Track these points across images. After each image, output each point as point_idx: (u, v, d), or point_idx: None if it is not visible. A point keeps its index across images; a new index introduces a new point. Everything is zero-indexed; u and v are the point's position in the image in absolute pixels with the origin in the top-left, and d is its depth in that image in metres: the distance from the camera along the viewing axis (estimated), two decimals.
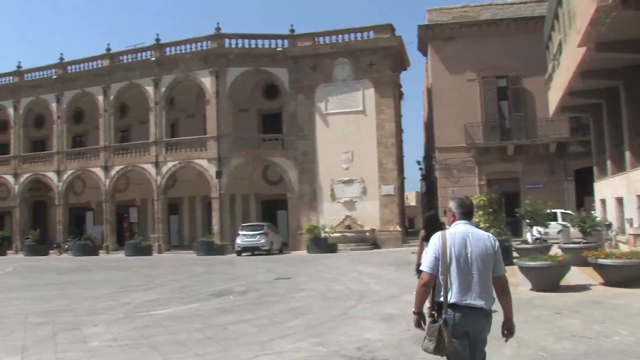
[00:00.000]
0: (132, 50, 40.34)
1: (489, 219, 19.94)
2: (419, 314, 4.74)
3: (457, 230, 4.69)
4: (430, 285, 4.65)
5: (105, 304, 13.87)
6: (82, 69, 41.88)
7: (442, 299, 4.57)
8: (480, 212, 20.40)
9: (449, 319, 4.50)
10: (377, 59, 35.07)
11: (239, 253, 31.57)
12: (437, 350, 4.48)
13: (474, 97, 32.14)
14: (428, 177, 45.01)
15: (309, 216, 34.80)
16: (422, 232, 9.48)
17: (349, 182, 34.68)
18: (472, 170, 32.10)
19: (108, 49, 40.57)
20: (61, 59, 42.62)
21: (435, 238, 4.72)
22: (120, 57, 40.49)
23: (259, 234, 31.51)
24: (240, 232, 32.13)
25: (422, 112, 52.82)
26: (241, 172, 37.31)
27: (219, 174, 35.74)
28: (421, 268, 4.76)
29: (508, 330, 4.68)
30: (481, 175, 32.00)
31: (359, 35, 35.88)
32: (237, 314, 11.72)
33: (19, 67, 44.65)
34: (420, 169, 50.76)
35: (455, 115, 31.88)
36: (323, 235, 32.42)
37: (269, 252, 31.33)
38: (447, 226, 5.01)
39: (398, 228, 34.05)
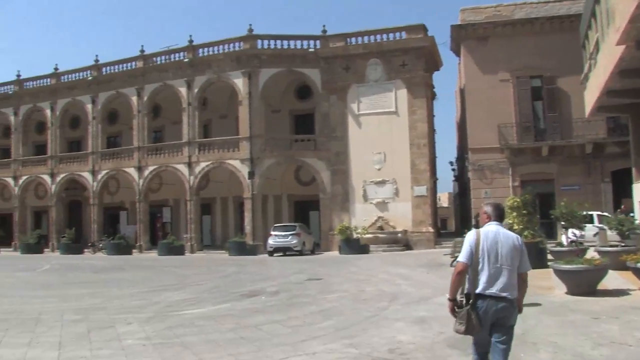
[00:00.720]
0: (166, 52, 40.70)
1: (522, 221, 19.67)
2: (453, 300, 5.40)
3: (490, 230, 5.45)
4: (465, 274, 5.35)
5: (138, 303, 13.96)
6: (116, 71, 42.46)
7: (471, 287, 5.33)
8: (514, 214, 20.12)
9: (479, 306, 5.24)
10: (409, 60, 34.87)
11: (271, 253, 31.64)
12: (467, 331, 5.26)
13: (508, 98, 31.74)
14: (461, 178, 44.65)
15: (341, 217, 34.71)
16: None
17: (382, 183, 34.52)
18: (506, 172, 31.69)
19: (142, 51, 41.03)
20: (96, 60, 43.22)
21: (471, 234, 5.47)
22: (154, 59, 40.90)
23: (291, 234, 31.54)
24: (273, 233, 32.22)
25: (454, 113, 52.44)
26: (273, 172, 37.38)
27: (251, 175, 35.86)
28: (458, 259, 5.43)
29: (518, 310, 5.42)
30: (515, 176, 31.57)
31: (391, 35, 35.71)
32: (269, 315, 11.72)
33: (56, 69, 45.41)
34: (453, 170, 50.38)
35: (489, 116, 31.53)
36: (355, 236, 32.32)
37: (300, 253, 31.34)
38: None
39: (430, 229, 33.80)
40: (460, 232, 32.99)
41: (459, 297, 5.39)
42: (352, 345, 8.70)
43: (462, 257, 5.36)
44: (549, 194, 29.58)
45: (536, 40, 31.39)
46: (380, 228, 33.92)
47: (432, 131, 38.40)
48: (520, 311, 5.46)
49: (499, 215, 5.59)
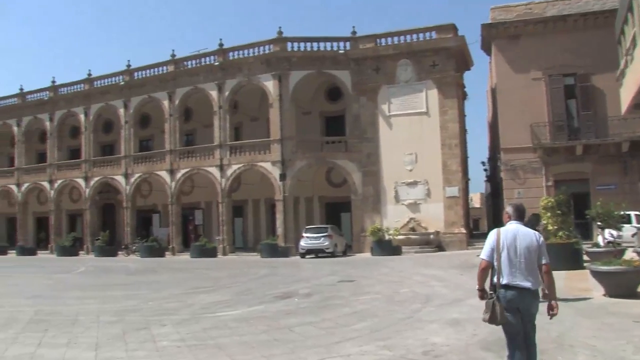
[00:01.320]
0: (196, 56, 40.98)
1: (557, 221, 19.42)
2: (481, 290, 6.13)
3: (510, 228, 6.09)
4: (488, 270, 6.02)
5: (172, 305, 14.06)
6: (148, 75, 42.87)
7: (495, 280, 5.94)
8: (548, 214, 19.86)
9: (501, 296, 5.85)
10: (440, 60, 34.64)
11: (302, 255, 31.72)
12: (491, 320, 5.85)
13: (540, 97, 31.31)
14: (493, 179, 44.23)
15: (372, 218, 34.61)
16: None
17: (413, 184, 34.34)
18: (539, 171, 31.27)
19: (173, 55, 41.37)
20: (128, 65, 43.72)
21: (492, 234, 6.12)
22: (185, 63, 41.20)
23: (322, 236, 31.56)
24: (304, 235, 32.30)
25: (486, 113, 51.97)
26: (305, 174, 37.41)
27: (282, 177, 35.94)
28: (480, 256, 6.13)
29: (550, 308, 5.95)
30: (548, 176, 31.13)
31: (421, 35, 35.47)
32: (302, 317, 11.73)
33: (89, 75, 46.04)
34: (485, 170, 49.93)
35: (521, 115, 31.14)
36: (387, 237, 32.19)
37: (332, 255, 31.35)
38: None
39: (463, 230, 33.53)
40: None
41: (487, 288, 6.08)
42: (386, 347, 8.67)
43: (484, 254, 6.06)
44: (583, 194, 29.13)
45: (569, 38, 30.92)
46: (412, 229, 33.73)
47: (463, 131, 38.10)
48: (553, 309, 5.94)
49: (518, 216, 6.22)
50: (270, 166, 36.58)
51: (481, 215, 68.15)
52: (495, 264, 5.93)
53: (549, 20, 31.62)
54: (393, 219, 34.11)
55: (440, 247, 32.78)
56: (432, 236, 33.26)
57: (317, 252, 31.58)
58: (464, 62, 37.42)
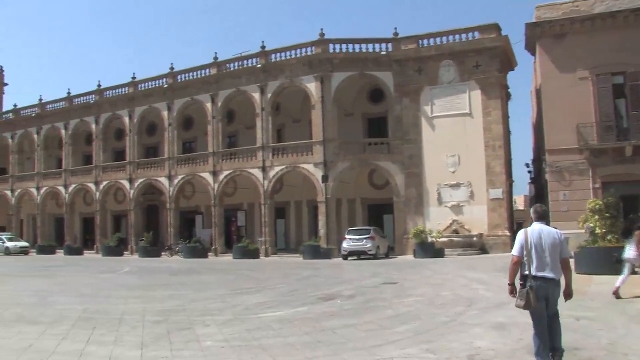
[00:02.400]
0: (239, 58, 41.29)
1: (605, 225, 19.01)
2: (512, 285, 7.30)
3: (535, 228, 7.24)
4: (519, 264, 7.23)
5: (216, 306, 14.11)
6: (191, 78, 43.36)
7: (527, 272, 7.10)
8: (596, 217, 19.45)
9: (534, 286, 6.97)
10: (483, 60, 34.26)
11: (345, 257, 31.67)
12: (526, 307, 6.97)
13: (587, 97, 30.58)
14: (538, 181, 43.54)
15: (415, 221, 34.40)
16: (638, 232, 12.89)
17: (456, 186, 34.02)
18: (586, 173, 30.56)
19: (216, 58, 41.77)
20: (172, 69, 44.26)
21: (521, 233, 7.29)
22: (228, 65, 41.55)
23: (365, 238, 31.42)
24: (347, 237, 32.21)
25: (530, 113, 51.23)
26: (347, 176, 37.37)
27: (325, 179, 35.96)
28: (512, 253, 7.34)
29: (568, 294, 7.19)
30: (595, 178, 30.39)
31: (463, 36, 35.16)
32: (345, 319, 11.66)
33: (133, 78, 46.82)
34: (530, 172, 49.24)
35: (567, 116, 30.48)
36: (430, 240, 31.96)
37: (375, 257, 31.23)
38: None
39: (507, 233, 33.05)
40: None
41: (517, 282, 7.23)
42: (430, 350, 8.57)
43: (515, 251, 7.29)
44: (634, 197, 28.28)
45: (618, 35, 30.08)
46: (455, 232, 33.42)
47: (507, 133, 37.57)
48: (570, 295, 7.21)
49: (539, 217, 7.39)
50: (313, 168, 36.63)
51: (525, 218, 67.02)
52: (525, 259, 7.13)
53: (597, 18, 30.81)
54: (436, 221, 33.87)
55: (483, 250, 32.41)
56: (475, 239, 32.91)
57: (359, 254, 31.51)
58: (508, 63, 36.89)
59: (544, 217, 7.43)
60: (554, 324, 7.19)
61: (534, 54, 35.03)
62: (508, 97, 39.16)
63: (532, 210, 7.58)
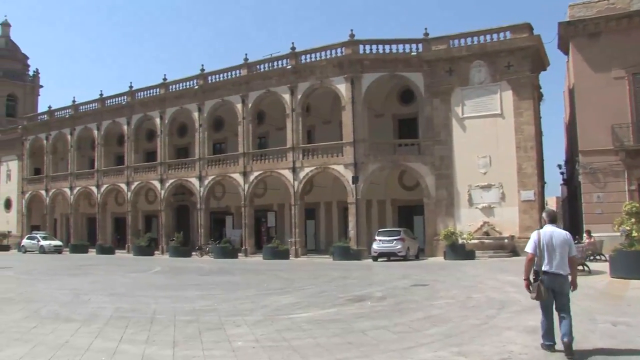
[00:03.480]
0: (269, 59, 41.42)
1: None
2: (527, 280, 8.45)
3: (547, 230, 8.41)
4: (533, 261, 8.38)
5: (246, 306, 14.13)
6: (221, 79, 43.59)
7: (539, 268, 8.32)
8: (633, 220, 19.13)
9: (544, 280, 8.23)
10: (514, 60, 33.89)
11: (375, 258, 31.61)
12: (537, 297, 8.26)
13: (623, 96, 30.03)
14: (570, 182, 43.03)
15: (445, 222, 34.18)
16: None
17: (487, 187, 33.72)
18: (621, 175, 30.05)
19: (246, 59, 41.94)
20: (202, 70, 44.58)
21: (534, 234, 8.46)
22: (258, 67, 41.73)
23: (395, 239, 31.25)
24: (377, 238, 32.09)
25: (563, 114, 50.61)
26: (377, 177, 37.27)
27: (355, 180, 35.89)
28: (526, 250, 8.56)
29: (574, 286, 8.31)
30: (631, 179, 29.85)
31: (495, 36, 34.79)
32: (376, 320, 11.60)
33: (164, 79, 47.22)
34: (562, 173, 48.71)
35: (601, 116, 29.99)
36: (460, 241, 31.71)
37: (405, 258, 31.09)
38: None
39: None
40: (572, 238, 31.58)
41: (531, 277, 8.41)
42: (461, 353, 8.49)
43: (529, 248, 8.44)
44: None
45: None
46: (486, 233, 33.13)
47: (539, 133, 37.13)
48: (575, 287, 8.31)
49: (551, 220, 8.58)
50: (343, 169, 36.59)
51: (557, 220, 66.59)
52: (537, 257, 8.31)
53: (633, 15, 30.15)
54: (466, 222, 33.63)
55: (514, 252, 32.02)
56: (506, 241, 32.58)
57: (389, 256, 31.40)
58: (540, 63, 36.44)
59: (555, 220, 8.67)
60: (563, 314, 8.16)
61: (566, 53, 34.58)
62: (540, 97, 38.71)
63: (544, 214, 8.82)
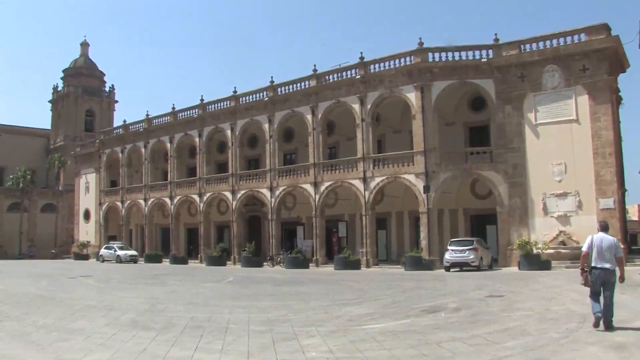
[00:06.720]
0: (338, 70, 41.57)
1: None
2: (582, 269, 11.07)
3: (598, 235, 11.02)
4: (587, 257, 10.96)
5: (319, 316, 14.10)
6: (291, 90, 43.99)
7: (590, 263, 10.90)
8: None
9: (593, 273, 10.84)
10: (590, 63, 32.80)
11: (447, 268, 31.15)
12: (585, 284, 11.01)
13: None
14: None
15: (519, 231, 33.37)
16: None
17: (563, 195, 32.73)
18: None
19: (315, 70, 42.21)
20: (272, 82, 45.09)
21: (589, 238, 11.07)
22: (327, 77, 41.92)
23: (468, 249, 30.72)
24: (449, 248, 31.62)
25: None
26: (449, 186, 36.82)
27: (426, 189, 35.51)
28: (582, 249, 11.13)
29: (621, 279, 10.78)
30: None
31: (568, 39, 33.72)
32: (451, 332, 11.38)
33: (235, 92, 48.05)
34: None
35: None
36: (535, 251, 30.88)
37: (478, 268, 30.47)
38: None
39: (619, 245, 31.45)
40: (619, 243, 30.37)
41: (585, 269, 10.96)
42: None
43: (584, 248, 11.08)
44: None
45: None
46: (562, 243, 32.11)
47: (618, 139, 35.86)
48: (622, 279, 10.83)
49: (602, 228, 11.27)
50: (414, 178, 36.26)
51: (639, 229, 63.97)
52: (589, 254, 10.94)
53: None
54: (541, 232, 32.72)
55: None
56: None
57: (462, 266, 30.85)
58: (619, 64, 35.20)
59: (605, 229, 11.27)
60: (608, 301, 10.73)
61: None
62: (619, 100, 37.45)
63: (598, 225, 11.54)
